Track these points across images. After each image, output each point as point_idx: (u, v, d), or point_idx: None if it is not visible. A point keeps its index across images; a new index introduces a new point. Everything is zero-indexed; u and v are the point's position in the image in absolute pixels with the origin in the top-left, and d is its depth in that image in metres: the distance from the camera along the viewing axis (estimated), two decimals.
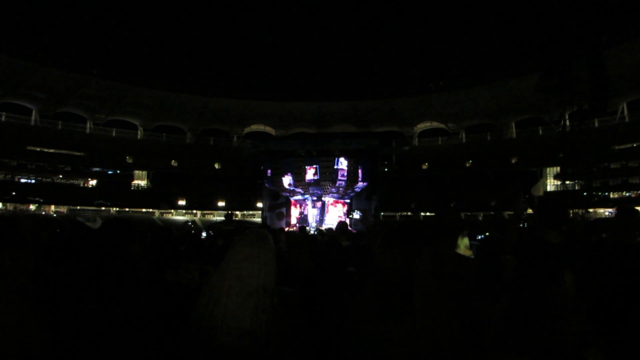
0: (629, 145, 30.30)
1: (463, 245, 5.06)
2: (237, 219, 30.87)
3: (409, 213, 34.32)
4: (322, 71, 56.39)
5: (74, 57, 37.38)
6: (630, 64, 27.84)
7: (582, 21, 20.27)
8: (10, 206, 30.80)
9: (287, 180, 23.77)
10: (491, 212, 30.79)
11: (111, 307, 1.55)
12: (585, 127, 25.89)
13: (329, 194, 25.02)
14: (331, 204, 25.87)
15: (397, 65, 55.18)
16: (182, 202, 35.78)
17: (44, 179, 34.76)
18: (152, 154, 37.79)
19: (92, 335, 1.49)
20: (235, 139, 42.13)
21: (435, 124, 40.66)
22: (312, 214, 25.71)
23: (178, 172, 38.88)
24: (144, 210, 35.63)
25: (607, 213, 28.09)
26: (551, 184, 33.36)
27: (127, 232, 1.83)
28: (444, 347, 1.36)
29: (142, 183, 38.51)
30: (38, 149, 34.32)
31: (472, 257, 4.27)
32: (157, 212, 35.69)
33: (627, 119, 31.68)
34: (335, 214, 25.31)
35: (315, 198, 25.50)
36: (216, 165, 39.25)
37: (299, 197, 25.87)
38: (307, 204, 25.99)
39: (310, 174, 23.38)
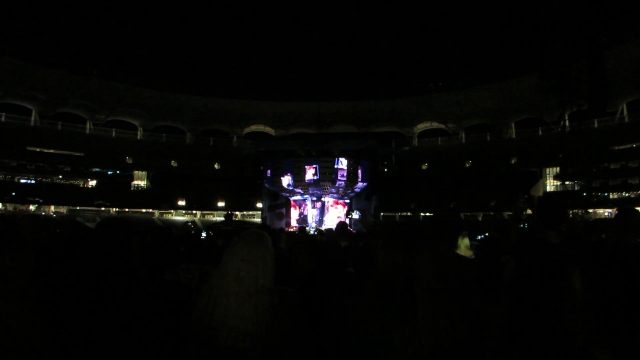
0: (628, 146, 30.31)
1: (463, 245, 5.06)
2: (236, 219, 30.87)
3: (409, 213, 34.32)
4: (321, 71, 56.42)
5: (74, 57, 37.35)
6: (630, 64, 27.86)
7: (582, 21, 20.27)
8: (10, 206, 30.79)
9: (286, 180, 23.78)
10: (491, 213, 30.81)
11: (111, 307, 1.55)
12: (585, 127, 25.91)
13: (328, 194, 25.03)
14: (331, 205, 25.88)
15: (397, 66, 55.24)
16: (181, 203, 35.77)
17: (44, 180, 34.74)
18: (151, 154, 37.77)
19: (92, 336, 1.49)
20: (235, 139, 42.12)
21: (435, 124, 40.67)
22: (311, 214, 25.72)
23: (178, 172, 38.86)
24: (143, 210, 35.63)
25: (606, 213, 28.12)
26: (551, 185, 33.37)
27: (124, 232, 1.83)
28: (446, 347, 1.36)
29: (142, 183, 38.49)
30: (38, 150, 34.31)
31: (473, 257, 4.28)
32: (156, 213, 35.69)
33: (626, 120, 31.68)
34: (335, 215, 25.33)
35: (314, 198, 25.51)
36: (216, 166, 39.25)
37: (299, 197, 25.88)
38: (306, 204, 26.01)
39: (310, 174, 23.39)
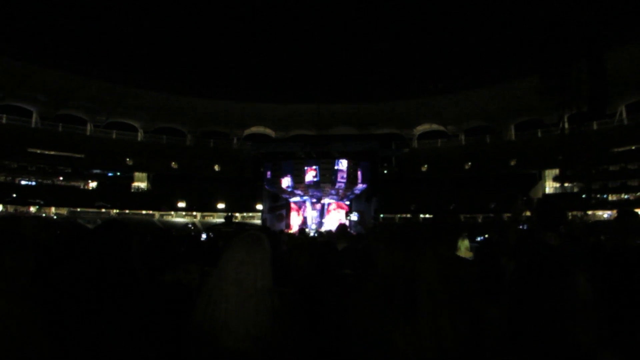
0: (628, 148, 30.31)
1: (464, 247, 5.07)
2: (237, 221, 30.86)
3: (409, 215, 34.33)
4: (321, 73, 56.47)
5: (75, 59, 37.33)
6: (630, 66, 27.88)
7: (582, 23, 20.31)
8: (10, 208, 30.80)
9: (286, 182, 23.79)
10: (491, 214, 30.80)
11: (111, 307, 1.55)
12: (585, 129, 25.96)
13: (328, 195, 25.04)
14: (334, 209, 25.88)
15: (397, 67, 55.28)
16: (182, 204, 35.78)
17: (45, 181, 34.76)
18: (152, 155, 37.80)
19: (92, 336, 1.49)
20: (235, 140, 42.16)
21: (435, 126, 40.71)
22: (311, 216, 25.73)
23: (178, 174, 38.88)
24: (144, 212, 35.65)
25: (606, 215, 28.13)
26: (550, 186, 33.36)
27: (124, 233, 1.83)
28: (447, 348, 1.36)
29: (142, 185, 38.51)
30: (38, 151, 34.33)
31: (472, 258, 4.28)
32: (157, 214, 35.70)
33: (626, 122, 31.69)
34: (337, 218, 25.34)
35: (314, 200, 25.52)
36: (216, 167, 39.27)
37: (298, 199, 25.88)
38: (306, 206, 26.01)
39: (309, 175, 23.40)
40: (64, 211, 32.92)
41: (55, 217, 30.57)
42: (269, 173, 24.79)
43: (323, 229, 21.51)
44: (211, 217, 35.93)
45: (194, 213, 36.70)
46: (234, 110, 39.58)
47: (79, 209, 33.34)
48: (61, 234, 3.93)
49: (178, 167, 38.57)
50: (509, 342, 1.54)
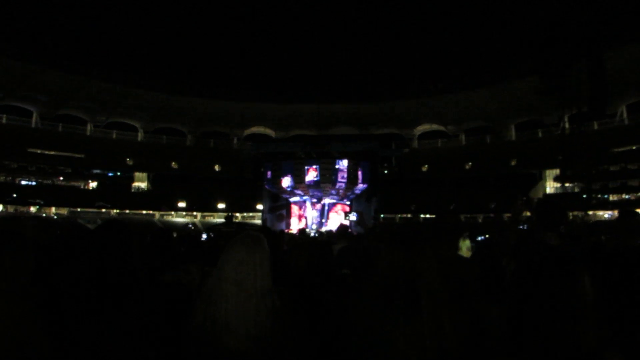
0: (628, 148, 30.27)
1: (465, 247, 5.06)
2: (237, 220, 30.86)
3: (409, 215, 34.32)
4: (321, 73, 56.44)
5: (75, 59, 37.32)
6: (630, 66, 27.86)
7: (582, 23, 20.30)
8: (10, 208, 30.81)
9: (287, 182, 23.80)
10: (491, 215, 30.79)
11: (111, 307, 1.55)
12: (585, 129, 25.96)
13: (328, 195, 25.04)
14: (334, 212, 25.88)
15: (397, 67, 55.26)
16: (182, 204, 35.77)
17: (45, 181, 34.76)
18: (152, 155, 37.80)
19: (93, 336, 1.49)
20: (235, 140, 42.17)
21: (435, 126, 40.70)
22: (311, 216, 25.73)
23: (178, 174, 38.88)
24: (144, 212, 35.65)
25: (606, 215, 28.10)
26: (551, 187, 33.35)
27: (125, 233, 1.83)
28: (448, 348, 1.36)
29: (143, 185, 38.51)
30: (39, 151, 34.33)
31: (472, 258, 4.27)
32: (157, 214, 35.70)
33: (626, 122, 31.66)
34: (338, 220, 25.36)
35: (315, 200, 25.52)
36: (216, 167, 39.27)
37: (299, 198, 25.89)
38: (306, 206, 26.02)
39: (310, 175, 23.42)
40: (64, 211, 32.92)
41: (55, 217, 30.57)
42: (269, 173, 24.82)
43: (324, 229, 21.51)
44: (211, 217, 35.93)
45: (194, 213, 36.69)
46: (234, 110, 39.59)
47: (79, 209, 33.34)
48: (61, 234, 3.93)
49: (178, 167, 38.57)
50: (509, 342, 1.54)
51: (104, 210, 33.79)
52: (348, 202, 26.40)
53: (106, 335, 1.51)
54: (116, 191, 35.94)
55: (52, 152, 34.84)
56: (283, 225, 25.11)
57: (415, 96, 37.98)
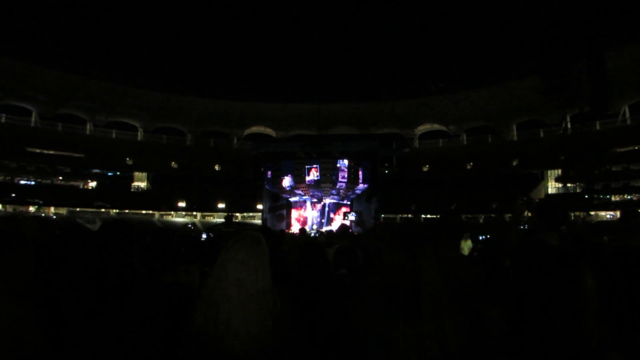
0: (630, 148, 30.20)
1: (466, 247, 5.06)
2: (237, 220, 30.86)
3: (410, 215, 34.32)
4: (322, 73, 56.40)
5: (74, 58, 37.36)
6: (632, 66, 27.79)
7: (584, 23, 20.29)
8: (9, 208, 30.81)
9: (287, 181, 23.79)
10: (492, 215, 30.79)
11: (111, 307, 1.54)
12: (587, 129, 25.97)
13: (329, 195, 25.03)
14: (336, 214, 25.85)
15: (398, 67, 55.23)
16: (182, 204, 35.77)
17: (44, 181, 34.75)
18: (152, 155, 37.79)
19: (92, 336, 1.49)
20: (235, 140, 42.16)
21: (436, 126, 40.68)
22: (311, 216, 25.72)
23: (178, 173, 38.88)
24: (143, 212, 35.64)
25: (608, 216, 28.08)
26: (552, 187, 33.32)
27: (125, 234, 1.83)
28: (449, 349, 1.36)
29: (142, 185, 38.51)
30: (38, 151, 34.32)
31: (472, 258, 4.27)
32: (157, 214, 35.70)
33: (628, 122, 31.58)
34: (339, 221, 25.37)
35: (315, 200, 25.51)
36: (216, 167, 39.27)
37: (299, 198, 25.88)
38: (306, 206, 26.01)
39: (310, 175, 23.41)
40: (63, 211, 32.93)
41: (54, 217, 30.59)
42: (269, 173, 24.81)
43: (324, 229, 21.51)
44: (211, 217, 35.92)
45: (194, 213, 36.69)
46: (234, 110, 39.58)
47: (78, 209, 33.32)
48: (61, 234, 3.93)
49: (178, 167, 38.57)
50: (509, 342, 1.54)
51: (103, 210, 33.79)
52: (349, 202, 26.39)
53: (106, 335, 1.51)
54: (116, 191, 35.95)
55: (52, 152, 34.81)
56: (283, 225, 25.09)
57: (416, 96, 37.96)
